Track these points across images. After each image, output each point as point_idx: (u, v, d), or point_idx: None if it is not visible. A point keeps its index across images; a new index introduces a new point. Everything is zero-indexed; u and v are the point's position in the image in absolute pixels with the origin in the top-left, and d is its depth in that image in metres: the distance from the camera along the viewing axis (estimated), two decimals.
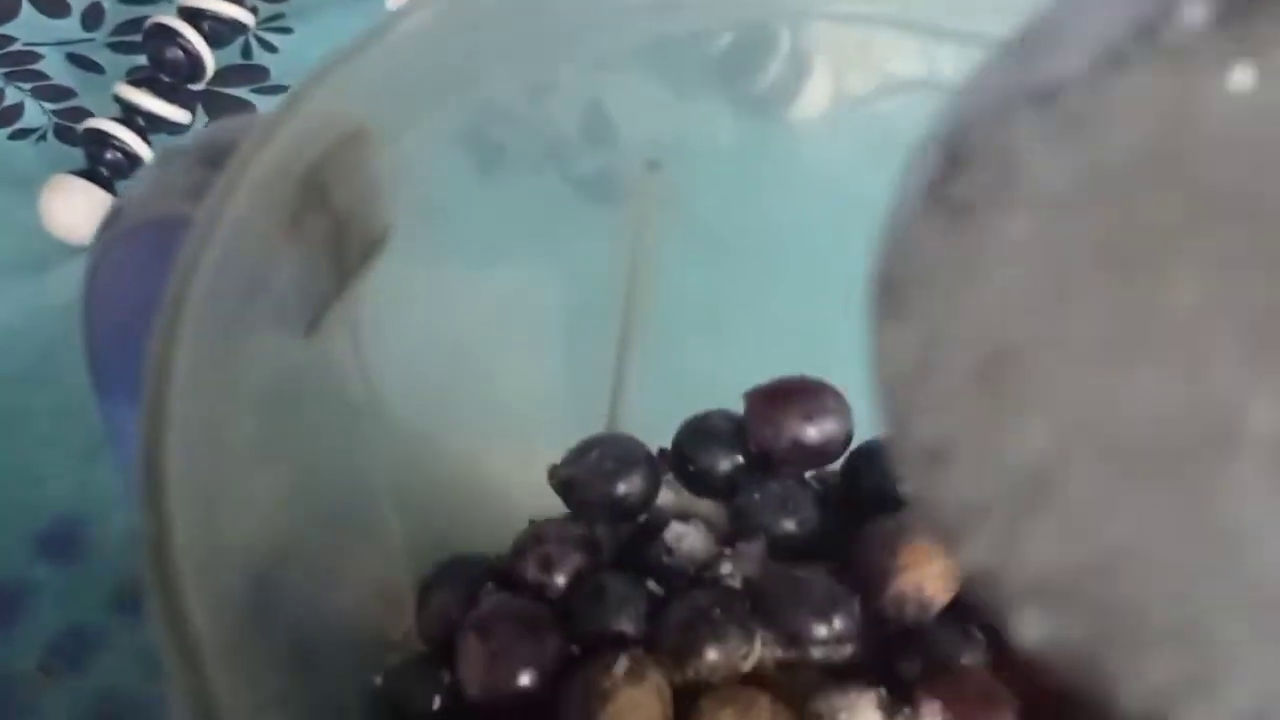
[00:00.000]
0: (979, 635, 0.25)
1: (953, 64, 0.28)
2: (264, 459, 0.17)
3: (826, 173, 0.30)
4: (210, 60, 0.41)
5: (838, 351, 0.30)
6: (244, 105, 0.44)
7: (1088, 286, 0.10)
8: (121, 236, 0.18)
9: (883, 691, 0.23)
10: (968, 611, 0.25)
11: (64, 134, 0.43)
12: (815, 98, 0.30)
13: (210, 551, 0.14)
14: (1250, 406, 0.09)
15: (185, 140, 0.19)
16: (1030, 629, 0.12)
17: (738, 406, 0.27)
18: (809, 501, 0.25)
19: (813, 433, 0.26)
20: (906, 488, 0.26)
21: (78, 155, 0.41)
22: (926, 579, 0.23)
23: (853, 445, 0.27)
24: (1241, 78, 0.09)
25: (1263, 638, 0.11)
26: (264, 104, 0.44)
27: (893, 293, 0.12)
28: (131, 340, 0.20)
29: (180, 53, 0.41)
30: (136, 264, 0.18)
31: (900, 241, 0.12)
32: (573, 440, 0.25)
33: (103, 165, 0.40)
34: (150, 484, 0.13)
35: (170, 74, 0.41)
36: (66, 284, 0.40)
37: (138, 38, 0.45)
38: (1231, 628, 0.11)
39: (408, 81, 0.18)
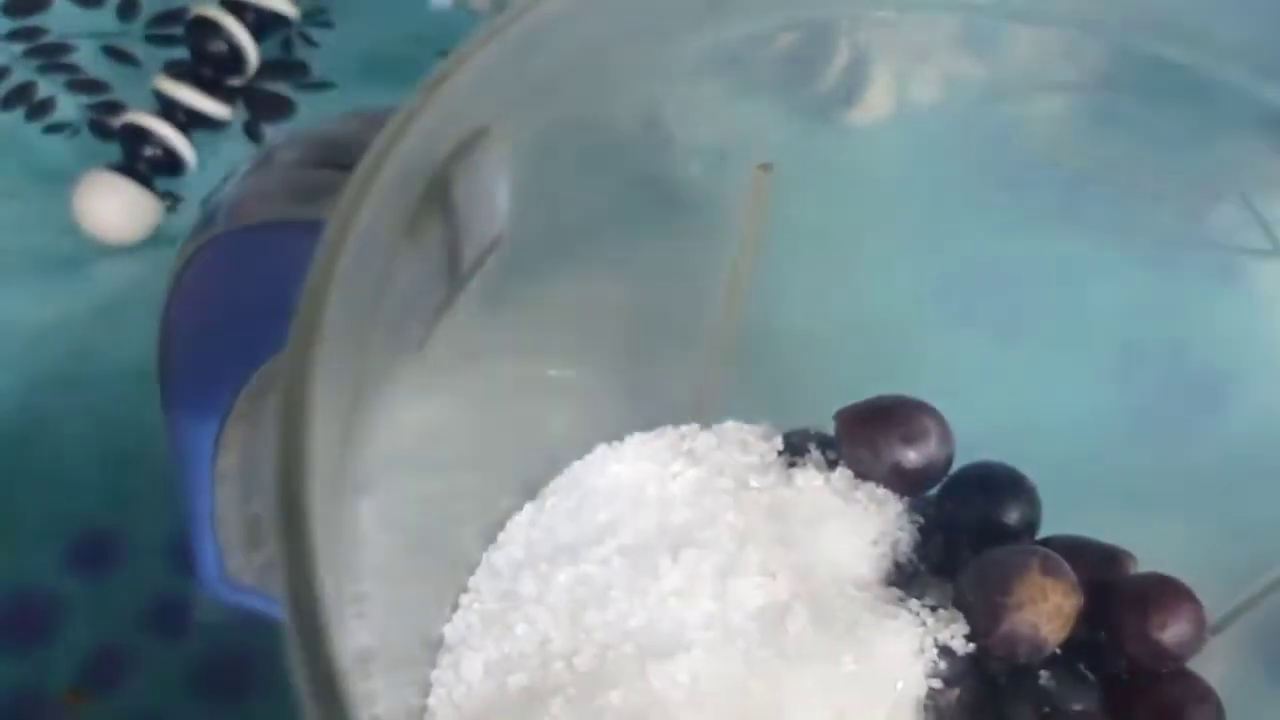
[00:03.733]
0: (1090, 677, 0.23)
1: (1017, 67, 0.27)
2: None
3: (888, 177, 0.29)
4: (255, 55, 0.40)
5: (927, 363, 0.29)
6: (285, 102, 0.42)
7: None
8: (213, 242, 0.16)
9: None
10: (1077, 652, 0.23)
11: (99, 129, 0.41)
12: (876, 101, 0.29)
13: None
14: None
15: (282, 140, 0.17)
16: None
17: (831, 404, 0.26)
18: None
19: (913, 456, 0.24)
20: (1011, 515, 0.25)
21: (113, 150, 0.40)
22: (1042, 617, 0.22)
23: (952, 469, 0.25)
24: None
25: None
26: (305, 101, 0.43)
27: None
28: (212, 352, 0.19)
29: (224, 46, 0.39)
30: (230, 270, 0.17)
31: None
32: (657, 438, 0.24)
33: (141, 161, 0.39)
34: (289, 523, 0.11)
35: (212, 68, 0.39)
36: (101, 283, 0.39)
37: (175, 30, 0.43)
38: None
39: (524, 80, 0.17)
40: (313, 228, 0.16)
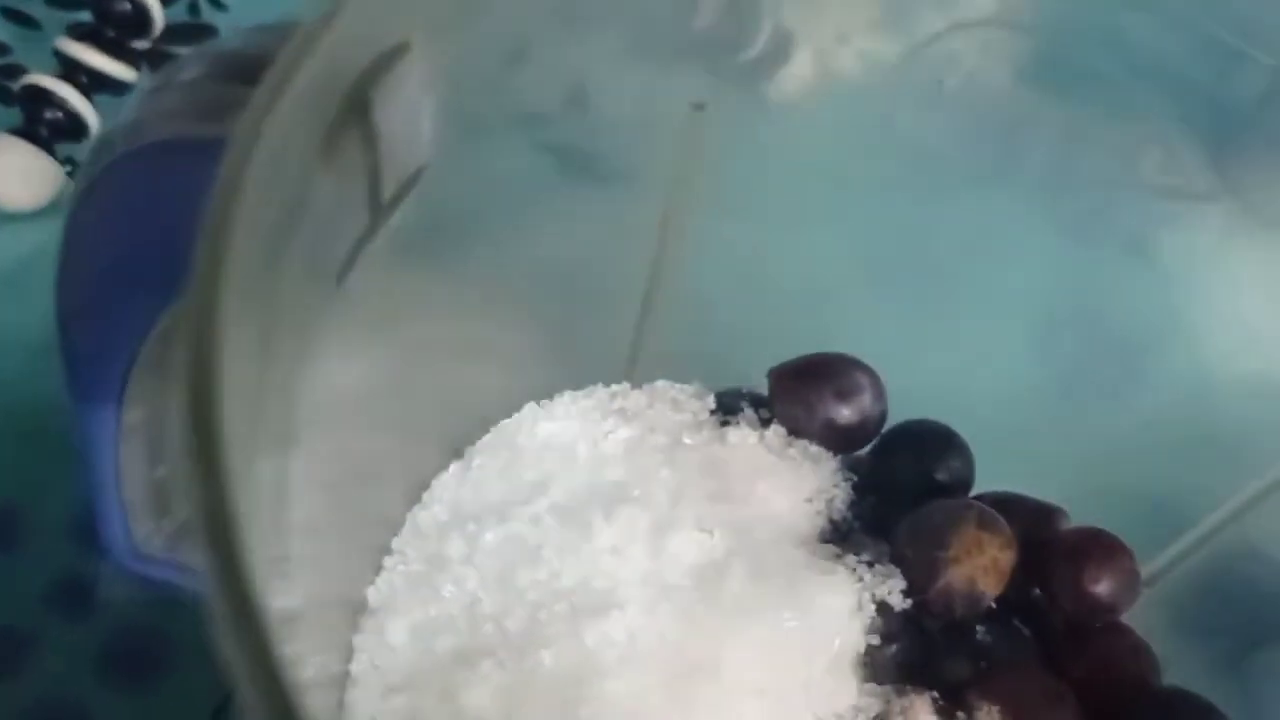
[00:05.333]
0: (1027, 632, 0.23)
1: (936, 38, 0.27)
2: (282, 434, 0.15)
3: (813, 143, 0.29)
4: (160, 15, 0.38)
5: (853, 329, 0.29)
6: None
7: None
8: (110, 168, 0.15)
9: (935, 695, 0.21)
10: (1012, 606, 0.23)
11: None
12: (799, 71, 0.28)
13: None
14: None
15: (183, 59, 0.16)
16: None
17: (758, 367, 0.25)
18: None
19: (846, 413, 0.24)
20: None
21: (12, 115, 0.38)
22: (979, 571, 0.22)
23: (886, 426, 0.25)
24: None
25: None
26: None
27: None
28: (114, 292, 0.18)
29: (128, 6, 0.38)
30: (130, 197, 0.16)
31: None
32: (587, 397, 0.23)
33: (42, 125, 0.37)
34: (202, 449, 0.10)
35: (116, 29, 0.38)
36: (1, 253, 0.37)
37: None
38: None
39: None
40: (220, 146, 0.15)
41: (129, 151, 0.15)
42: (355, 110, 0.14)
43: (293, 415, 0.15)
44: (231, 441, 0.11)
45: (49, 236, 0.37)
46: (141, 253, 0.16)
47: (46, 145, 0.37)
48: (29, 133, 0.37)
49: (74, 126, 0.37)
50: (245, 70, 0.15)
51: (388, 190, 0.16)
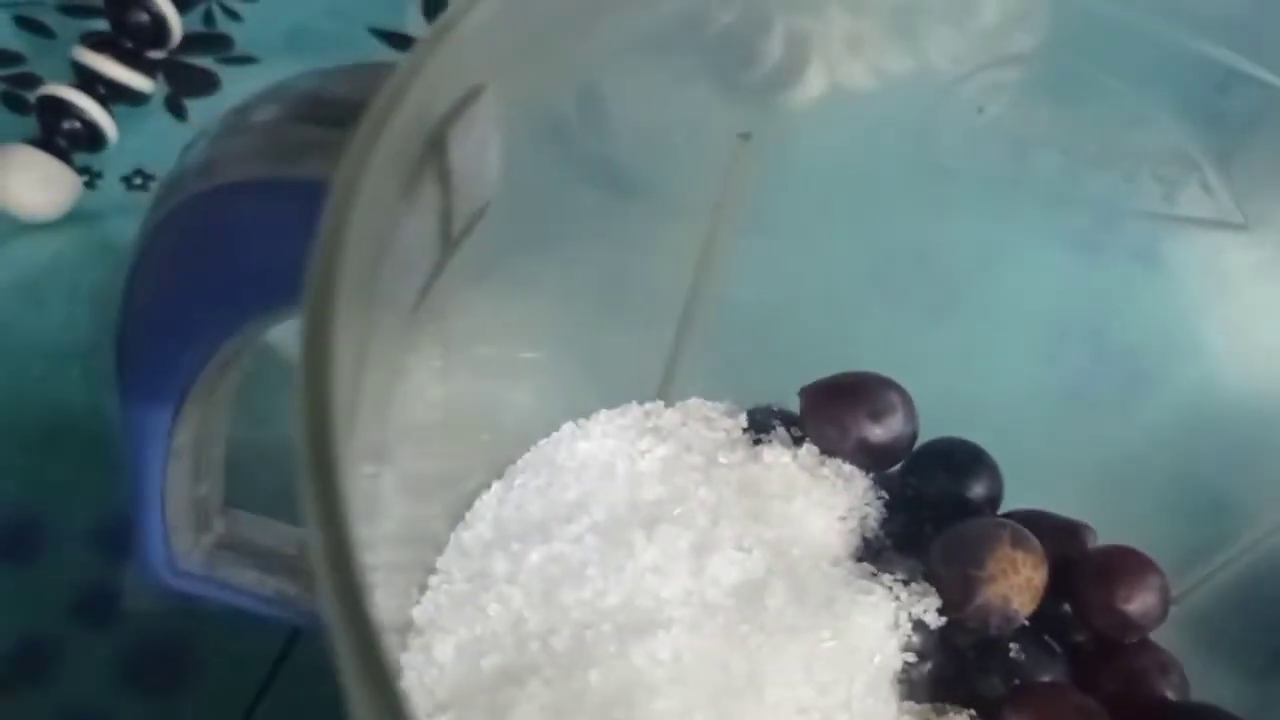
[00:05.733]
0: (1058, 649, 0.23)
1: (948, 52, 0.28)
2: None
3: (827, 158, 0.29)
4: (178, 26, 0.38)
5: (866, 342, 0.29)
6: (208, 75, 0.41)
7: None
8: (184, 205, 0.16)
9: (972, 713, 0.22)
10: (1045, 624, 0.23)
11: (13, 102, 0.39)
12: (812, 87, 0.29)
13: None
14: None
15: (255, 98, 0.16)
16: None
17: (782, 381, 0.26)
18: None
19: (879, 432, 0.24)
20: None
21: (29, 124, 0.38)
22: (1013, 590, 0.22)
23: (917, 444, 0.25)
24: None
25: None
26: (229, 75, 0.41)
27: None
28: (176, 323, 0.18)
29: (145, 16, 0.38)
30: (203, 234, 0.16)
31: None
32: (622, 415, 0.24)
33: (59, 135, 0.37)
34: (322, 486, 0.11)
35: (133, 39, 0.38)
36: (18, 261, 0.37)
37: (91, 0, 0.41)
38: None
39: (515, 39, 0.16)
40: (294, 188, 0.15)
41: (206, 190, 0.15)
42: (434, 151, 0.15)
43: (380, 439, 0.16)
44: (343, 460, 0.12)
45: (66, 245, 0.37)
46: (208, 286, 0.17)
47: (64, 155, 0.37)
48: (46, 142, 0.37)
49: (92, 136, 0.37)
50: (321, 113, 0.15)
51: (458, 226, 0.16)
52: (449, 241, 0.16)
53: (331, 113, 0.15)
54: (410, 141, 0.14)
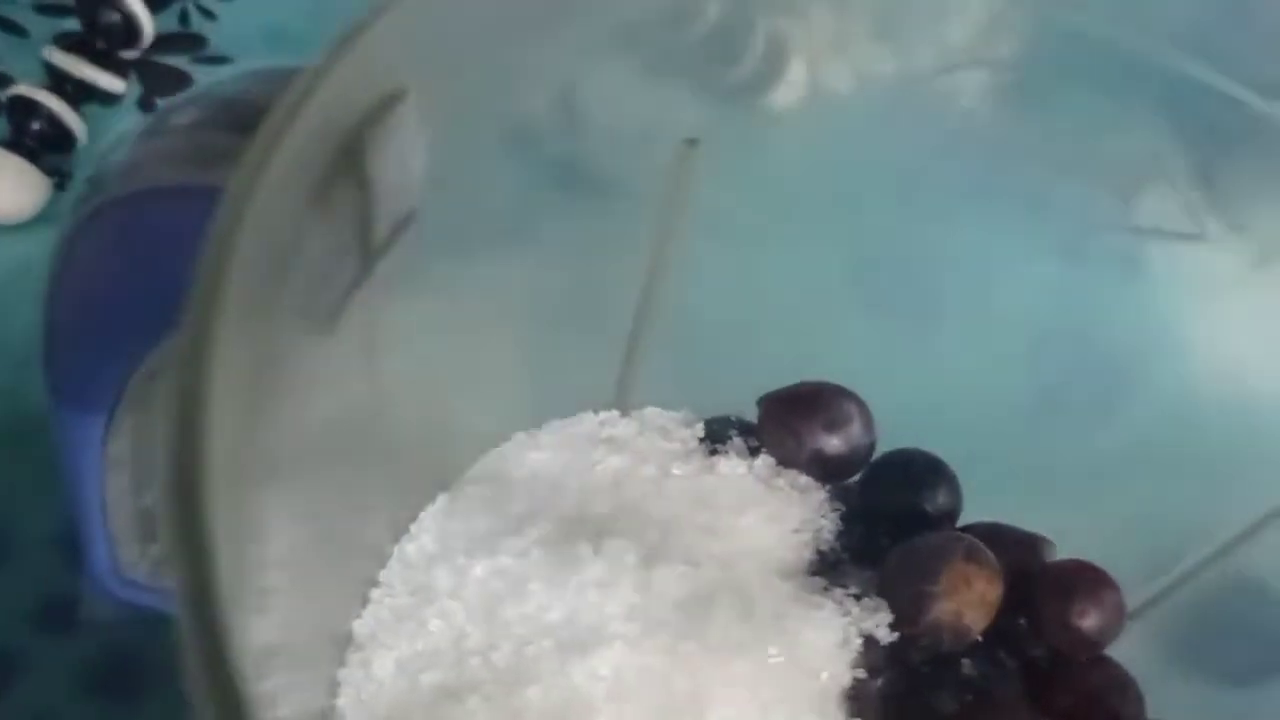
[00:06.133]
0: (1012, 665, 0.23)
1: (927, 57, 0.27)
2: (275, 469, 0.15)
3: (803, 161, 0.29)
4: (150, 26, 0.38)
5: (840, 349, 0.29)
6: (181, 75, 0.41)
7: None
8: (102, 210, 0.15)
9: None
10: (998, 639, 0.23)
11: None
12: (791, 89, 0.28)
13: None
14: None
15: (177, 102, 0.16)
16: None
17: (746, 388, 0.25)
18: None
19: (835, 443, 0.24)
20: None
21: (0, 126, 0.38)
22: (966, 605, 0.22)
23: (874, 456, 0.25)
24: None
25: None
26: (203, 74, 0.41)
27: None
28: (103, 331, 0.18)
29: (117, 16, 0.37)
30: (122, 240, 0.16)
31: None
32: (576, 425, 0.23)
33: (28, 136, 0.37)
34: (184, 511, 0.10)
35: (105, 39, 0.38)
36: None
37: (64, 0, 0.41)
38: None
39: (443, 42, 0.16)
40: (213, 194, 0.15)
41: (126, 194, 0.15)
42: (348, 158, 0.14)
43: (277, 449, 0.15)
44: (213, 483, 0.11)
45: (34, 248, 0.37)
46: (132, 293, 0.16)
47: (33, 156, 0.37)
48: (14, 143, 0.37)
49: (61, 138, 0.37)
50: (242, 118, 0.15)
51: (379, 235, 0.16)
52: (370, 251, 0.16)
53: (252, 118, 0.15)
54: (318, 147, 0.14)
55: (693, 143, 0.23)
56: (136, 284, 0.16)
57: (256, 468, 0.14)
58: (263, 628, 0.15)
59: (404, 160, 0.16)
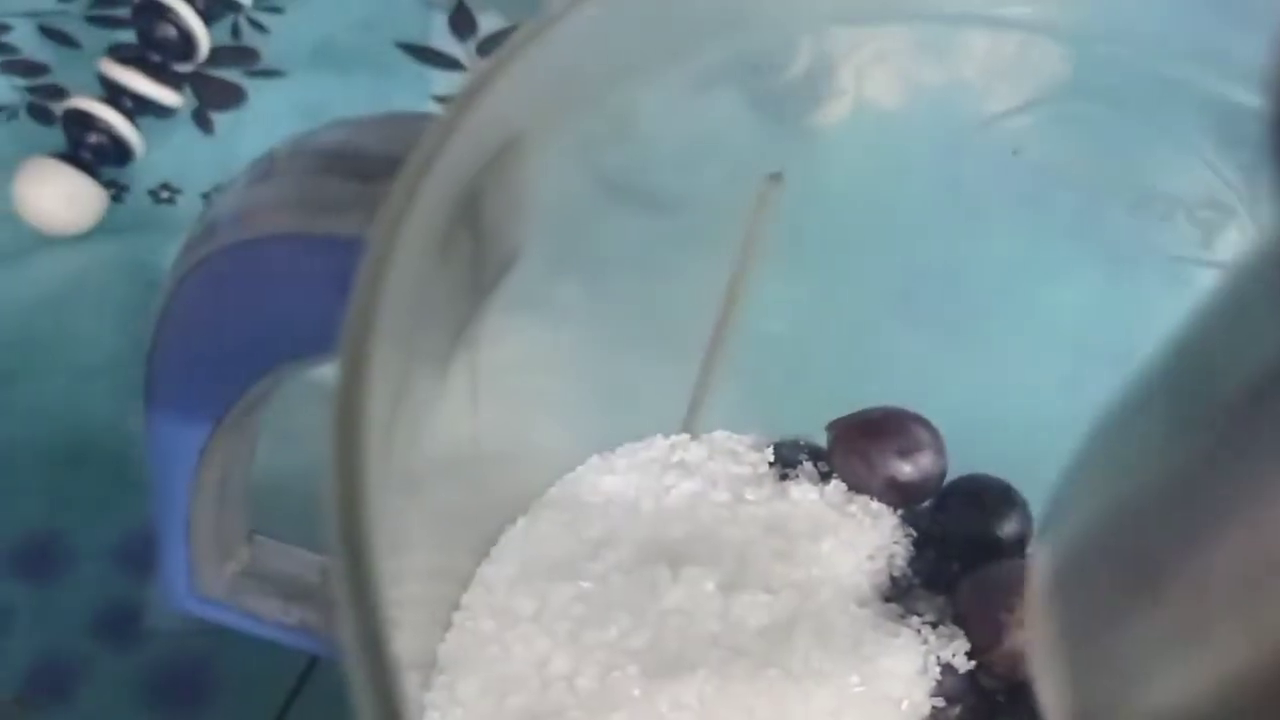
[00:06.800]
0: None
1: (974, 68, 0.27)
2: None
3: (851, 181, 0.29)
4: (205, 39, 0.38)
5: (890, 367, 0.29)
6: (235, 89, 0.41)
7: None
8: (217, 254, 0.16)
9: None
10: None
11: (39, 113, 0.39)
12: (838, 105, 0.28)
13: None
14: None
15: (285, 148, 0.16)
16: None
17: (806, 415, 0.26)
18: None
19: (908, 470, 0.24)
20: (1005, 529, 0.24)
21: (55, 137, 0.38)
22: None
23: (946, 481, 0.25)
24: None
25: None
26: (255, 88, 0.41)
27: None
28: (208, 364, 0.18)
29: (173, 30, 0.38)
30: (234, 283, 0.16)
31: None
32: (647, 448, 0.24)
33: (85, 149, 0.37)
34: (350, 534, 0.11)
35: (160, 52, 0.38)
36: (43, 276, 0.37)
37: (116, 11, 0.42)
38: None
39: (552, 91, 0.16)
40: (325, 242, 0.15)
41: (241, 240, 0.15)
42: (469, 206, 0.14)
43: (411, 472, 0.16)
44: (373, 502, 0.12)
45: (91, 260, 0.37)
46: (240, 335, 0.17)
47: (89, 169, 0.37)
48: (72, 156, 0.37)
49: (117, 150, 0.37)
50: (350, 166, 0.15)
51: (489, 277, 0.16)
52: (480, 292, 0.16)
53: (362, 166, 0.15)
54: (444, 198, 0.14)
55: (776, 177, 0.23)
56: (243, 324, 0.17)
57: (391, 491, 0.14)
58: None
59: (515, 205, 0.16)
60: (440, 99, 0.41)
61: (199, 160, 0.39)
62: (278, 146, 0.16)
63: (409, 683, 0.20)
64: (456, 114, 0.14)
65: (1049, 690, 0.11)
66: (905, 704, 0.21)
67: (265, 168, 0.16)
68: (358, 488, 0.11)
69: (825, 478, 0.24)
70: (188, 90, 0.40)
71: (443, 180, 0.13)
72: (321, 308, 0.12)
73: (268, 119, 0.40)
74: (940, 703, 0.22)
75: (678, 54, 0.20)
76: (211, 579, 0.24)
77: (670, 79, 0.20)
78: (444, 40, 0.43)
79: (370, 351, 0.12)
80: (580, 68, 0.16)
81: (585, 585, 0.22)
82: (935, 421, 0.25)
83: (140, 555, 0.32)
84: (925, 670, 0.22)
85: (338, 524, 0.11)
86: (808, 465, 0.25)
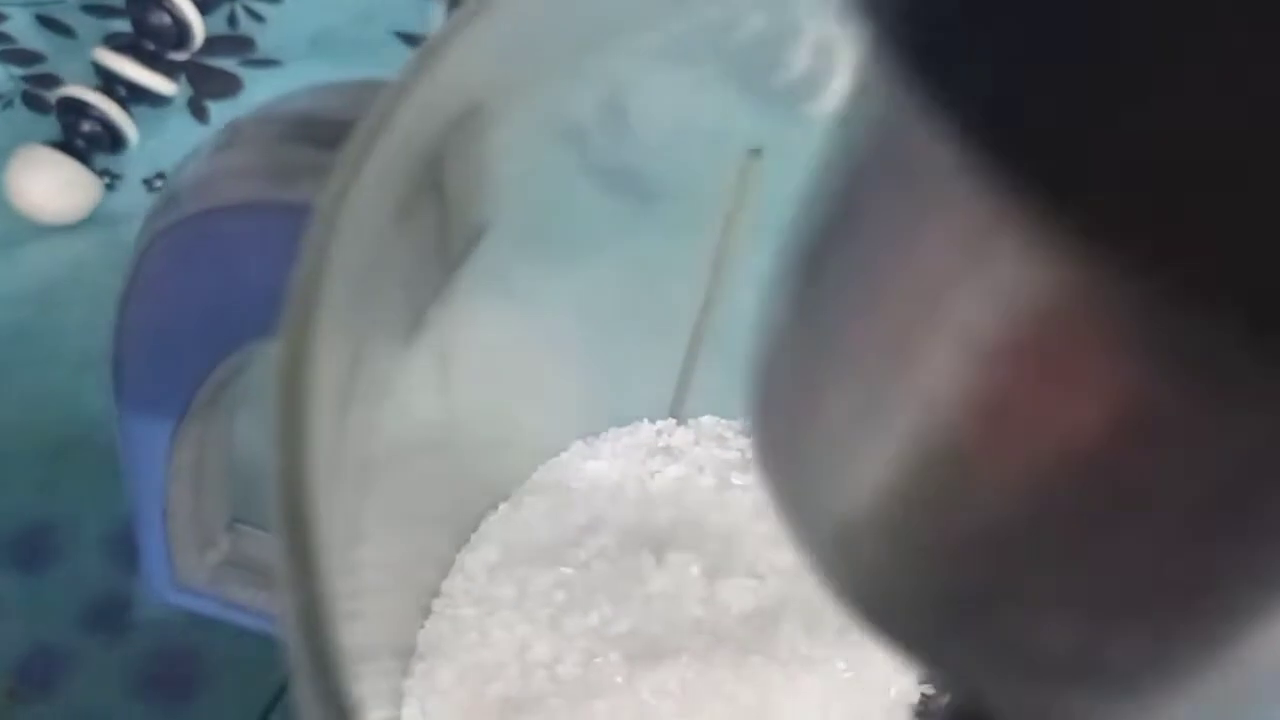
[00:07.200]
0: None
1: None
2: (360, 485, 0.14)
3: None
4: (200, 28, 0.38)
5: None
6: (231, 78, 0.41)
7: None
8: (179, 225, 0.15)
9: None
10: None
11: (34, 101, 0.39)
12: (842, 89, 0.28)
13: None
14: None
15: (251, 117, 0.16)
16: None
17: None
18: None
19: None
20: None
21: (49, 125, 0.38)
22: None
23: None
24: None
25: None
26: (252, 77, 0.41)
27: None
28: (175, 343, 0.18)
29: (168, 18, 0.37)
30: (198, 255, 0.16)
31: None
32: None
33: (79, 137, 0.37)
34: (292, 514, 0.10)
35: (155, 41, 0.38)
36: (36, 265, 0.37)
37: (112, 1, 0.41)
38: None
39: (514, 55, 0.16)
40: (291, 210, 0.15)
41: (203, 210, 0.15)
42: (430, 172, 0.14)
43: (366, 457, 0.15)
44: (319, 490, 0.11)
45: (86, 249, 0.37)
46: (205, 306, 0.16)
47: (83, 157, 0.37)
48: (66, 144, 0.37)
49: (112, 139, 0.37)
50: (317, 133, 0.15)
51: (456, 248, 0.15)
52: (447, 263, 0.15)
53: (326, 133, 0.15)
54: (402, 162, 0.13)
55: (756, 153, 0.23)
56: (209, 297, 0.16)
57: (349, 473, 0.14)
58: (354, 633, 0.15)
59: (479, 173, 0.15)
60: None
61: (193, 148, 0.39)
62: (242, 116, 0.16)
63: (382, 671, 0.19)
64: (413, 74, 0.13)
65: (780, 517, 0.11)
66: (893, 690, 0.21)
67: (229, 136, 0.16)
68: (299, 455, 0.11)
69: None
70: (183, 79, 0.39)
71: (399, 140, 0.13)
72: (285, 278, 0.12)
73: None
74: (928, 689, 0.21)
75: (647, 19, 0.19)
76: (193, 568, 0.24)
77: (640, 46, 0.20)
78: None
79: (317, 315, 0.11)
80: (547, 34, 0.16)
81: (567, 571, 0.21)
82: None
83: (131, 547, 0.32)
84: None
85: (278, 498, 0.11)
86: None
